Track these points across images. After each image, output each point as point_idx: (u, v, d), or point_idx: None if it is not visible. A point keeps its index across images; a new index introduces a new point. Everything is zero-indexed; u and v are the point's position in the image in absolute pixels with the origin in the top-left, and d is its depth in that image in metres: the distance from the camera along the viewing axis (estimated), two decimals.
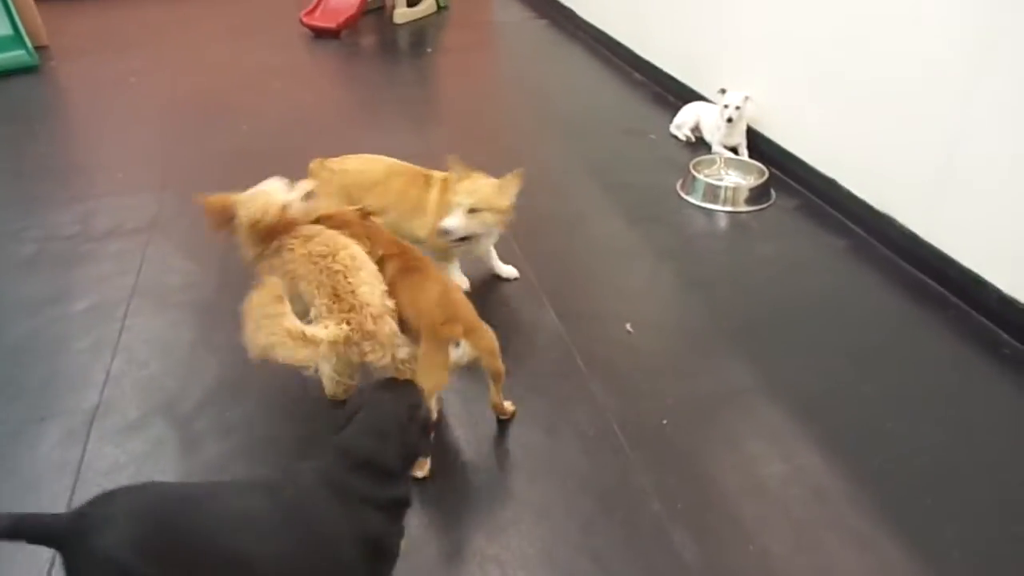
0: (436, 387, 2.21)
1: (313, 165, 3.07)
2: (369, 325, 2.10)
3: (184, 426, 2.47)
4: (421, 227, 2.94)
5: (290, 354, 1.95)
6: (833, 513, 2.14)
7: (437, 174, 3.03)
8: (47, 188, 4.04)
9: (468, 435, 2.42)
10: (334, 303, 2.12)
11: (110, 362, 2.74)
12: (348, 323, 2.08)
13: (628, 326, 2.91)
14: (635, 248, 3.46)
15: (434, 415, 2.19)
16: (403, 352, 2.21)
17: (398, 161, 3.14)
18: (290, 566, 1.53)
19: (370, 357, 2.13)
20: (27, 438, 2.42)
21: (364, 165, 3.11)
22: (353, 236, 2.39)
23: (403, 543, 1.74)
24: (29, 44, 5.81)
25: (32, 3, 6.15)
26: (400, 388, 1.82)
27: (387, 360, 2.16)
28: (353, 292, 2.13)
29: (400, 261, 2.43)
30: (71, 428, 2.46)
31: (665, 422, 2.47)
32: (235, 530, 1.52)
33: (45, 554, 2.02)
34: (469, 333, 2.20)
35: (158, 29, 6.89)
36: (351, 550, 1.57)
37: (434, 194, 2.97)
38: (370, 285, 2.19)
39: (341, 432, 1.69)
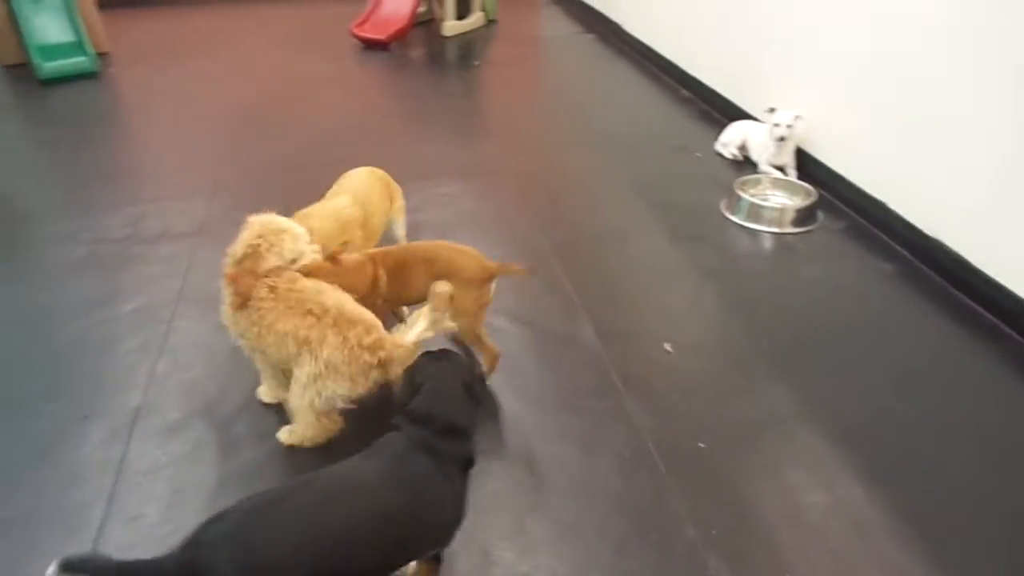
0: (480, 323, 2.58)
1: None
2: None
3: (223, 429, 2.51)
4: None
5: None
6: (873, 546, 2.09)
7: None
8: (101, 191, 4.16)
9: (501, 449, 2.41)
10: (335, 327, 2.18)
11: (155, 364, 2.79)
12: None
13: (667, 346, 2.89)
14: (677, 267, 3.43)
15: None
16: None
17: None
18: (408, 529, 1.66)
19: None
20: (72, 435, 2.48)
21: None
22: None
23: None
24: (91, 51, 5.99)
25: (95, 11, 6.35)
26: (449, 356, 1.95)
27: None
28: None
29: (400, 254, 2.62)
30: (114, 427, 2.51)
31: (702, 445, 2.43)
32: (350, 504, 1.62)
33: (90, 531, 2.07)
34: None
35: (213, 38, 7.06)
36: (450, 508, 1.74)
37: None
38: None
39: (412, 402, 1.80)
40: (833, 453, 2.40)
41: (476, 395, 1.87)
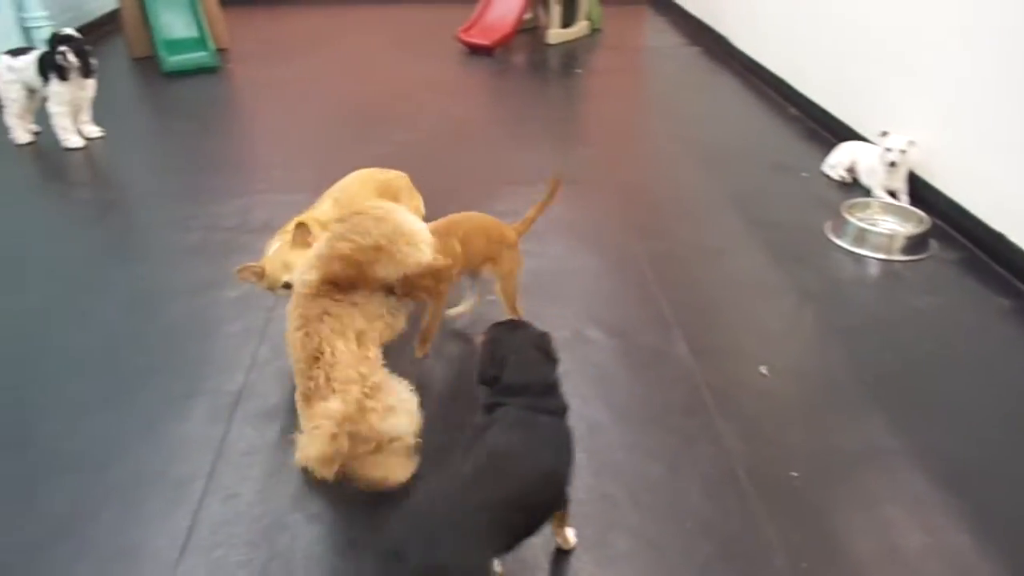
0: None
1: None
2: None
3: None
4: None
5: None
6: None
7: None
8: (214, 181, 4.35)
9: (586, 459, 2.39)
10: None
11: (256, 348, 2.90)
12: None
13: (763, 368, 2.81)
14: (776, 288, 3.34)
15: None
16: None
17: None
18: (561, 480, 1.85)
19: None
20: (177, 412, 2.59)
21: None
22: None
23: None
24: (212, 46, 6.29)
25: (218, 8, 6.66)
26: (518, 324, 2.07)
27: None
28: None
29: (466, 223, 2.71)
30: (216, 407, 2.61)
31: (795, 474, 2.35)
32: (521, 477, 1.74)
33: (184, 520, 2.16)
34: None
35: (325, 36, 7.30)
36: (573, 452, 1.90)
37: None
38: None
39: (505, 376, 1.90)
40: (936, 495, 2.28)
41: (552, 354, 2.00)
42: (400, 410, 2.11)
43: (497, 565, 1.95)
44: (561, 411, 1.93)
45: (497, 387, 1.93)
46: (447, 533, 1.58)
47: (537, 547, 2.10)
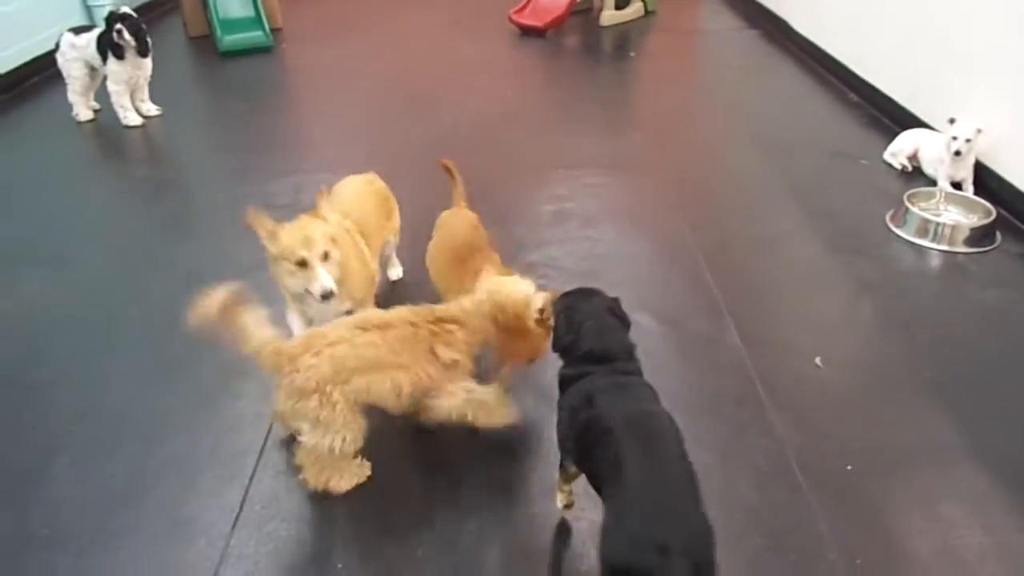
0: None
1: None
2: None
3: None
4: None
5: None
6: None
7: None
8: (268, 159, 4.40)
9: None
10: None
11: (307, 327, 2.92)
12: None
13: (818, 360, 2.75)
14: (833, 278, 3.26)
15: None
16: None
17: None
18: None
19: None
20: (230, 388, 2.64)
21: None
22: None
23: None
24: (267, 26, 6.35)
25: None
26: (589, 291, 2.05)
27: None
28: None
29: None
30: (268, 385, 2.63)
31: (850, 468, 2.30)
32: (672, 438, 1.73)
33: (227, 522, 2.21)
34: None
35: (378, 18, 7.31)
36: None
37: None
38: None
39: (584, 344, 1.90)
40: (997, 494, 2.21)
41: (623, 317, 2.01)
42: None
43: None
44: (640, 373, 1.93)
45: (579, 355, 1.91)
46: (690, 507, 1.56)
47: (584, 533, 2.09)
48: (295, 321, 2.63)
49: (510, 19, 6.76)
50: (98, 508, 2.19)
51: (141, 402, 2.59)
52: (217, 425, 2.49)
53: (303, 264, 2.33)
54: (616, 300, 2.04)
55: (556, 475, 2.09)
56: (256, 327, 2.08)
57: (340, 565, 2.03)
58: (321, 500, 2.21)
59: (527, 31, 6.66)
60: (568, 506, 2.12)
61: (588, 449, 1.79)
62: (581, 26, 6.94)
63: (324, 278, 2.33)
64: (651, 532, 1.48)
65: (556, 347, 1.99)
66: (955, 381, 2.65)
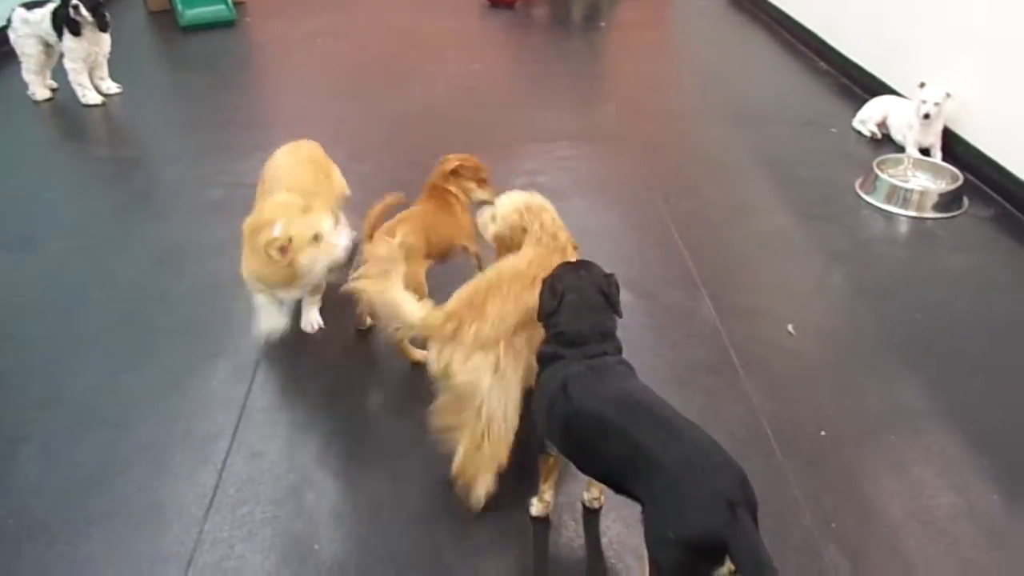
0: None
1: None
2: None
3: (340, 379, 2.57)
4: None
5: None
6: (1012, 559, 1.95)
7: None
8: (235, 137, 4.31)
9: None
10: None
11: (280, 306, 2.88)
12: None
13: (790, 327, 2.77)
14: (804, 246, 3.27)
15: None
16: None
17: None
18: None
19: None
20: (202, 370, 2.60)
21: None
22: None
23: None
24: (230, 0, 6.20)
25: None
26: (587, 266, 1.98)
27: None
28: None
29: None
30: (239, 366, 2.62)
31: (823, 433, 2.32)
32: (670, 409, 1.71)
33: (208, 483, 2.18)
34: None
35: None
36: None
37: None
38: None
39: (560, 323, 1.86)
40: (967, 456, 2.25)
41: (614, 302, 1.93)
42: None
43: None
44: (616, 352, 1.88)
45: (553, 333, 1.87)
46: (724, 457, 1.55)
47: (563, 507, 2.10)
48: (266, 307, 2.56)
49: None
50: (67, 496, 2.15)
51: (109, 387, 2.54)
52: (188, 408, 2.45)
53: (317, 238, 2.36)
54: (609, 277, 1.96)
55: (539, 467, 2.03)
56: (407, 300, 2.01)
57: (317, 546, 2.01)
58: (295, 482, 2.19)
59: (496, 4, 6.57)
60: (543, 517, 2.07)
61: (590, 447, 1.73)
62: None
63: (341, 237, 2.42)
64: (714, 492, 1.47)
65: (539, 316, 1.94)
66: (925, 345, 2.69)
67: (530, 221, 2.23)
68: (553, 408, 1.79)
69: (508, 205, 2.29)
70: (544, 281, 1.96)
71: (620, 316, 1.94)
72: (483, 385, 1.95)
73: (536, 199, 2.31)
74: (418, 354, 2.50)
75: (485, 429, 1.97)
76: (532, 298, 1.99)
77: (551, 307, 1.88)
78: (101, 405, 2.47)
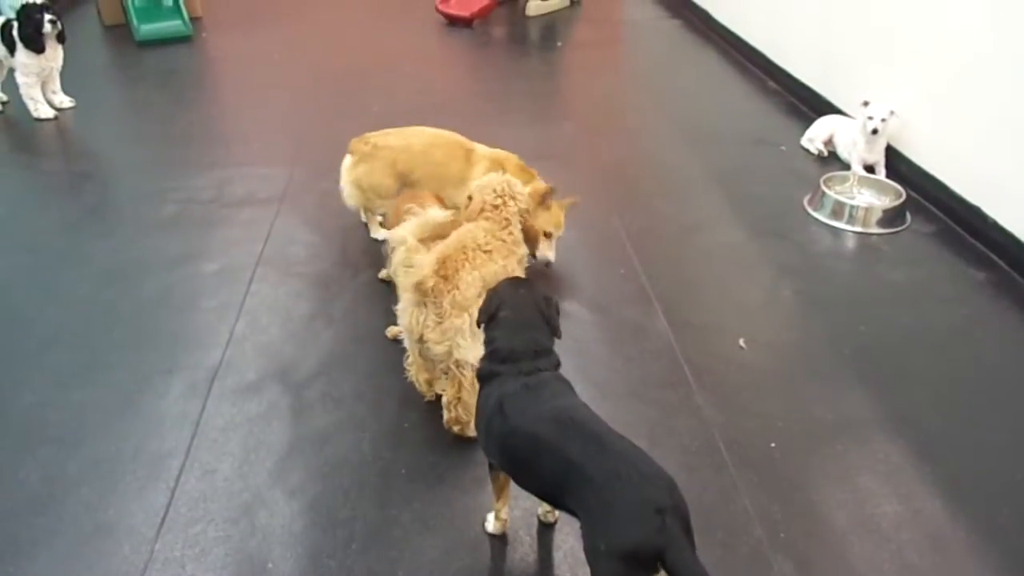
0: None
1: (354, 142, 3.24)
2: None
3: (297, 393, 2.56)
4: (461, 197, 2.96)
5: None
6: (952, 564, 2.01)
7: (480, 149, 3.23)
8: (191, 153, 4.28)
9: None
10: None
11: (234, 324, 2.87)
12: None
13: (741, 341, 2.83)
14: (755, 261, 3.35)
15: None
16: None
17: (440, 132, 3.31)
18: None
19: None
20: (155, 387, 2.57)
21: (405, 140, 3.25)
22: None
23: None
24: (186, 15, 6.15)
25: None
26: (526, 283, 2.02)
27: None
28: None
29: None
30: (194, 382, 2.59)
31: (773, 445, 2.38)
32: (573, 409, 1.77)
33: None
34: None
35: (301, 7, 7.15)
36: None
37: (478, 171, 3.10)
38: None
39: (493, 331, 1.89)
40: (910, 464, 2.31)
41: (552, 322, 1.93)
42: None
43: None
44: (552, 368, 1.89)
45: (489, 350, 1.89)
46: (652, 466, 1.58)
47: (518, 521, 2.11)
48: None
49: (437, 9, 6.70)
50: (10, 517, 2.10)
51: (57, 404, 2.50)
52: (140, 426, 2.42)
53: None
54: (548, 298, 1.97)
55: (489, 487, 2.05)
56: (423, 257, 2.20)
57: (271, 565, 2.00)
58: (249, 500, 2.17)
59: (454, 22, 6.62)
60: (500, 535, 2.08)
61: (526, 464, 1.75)
62: (508, 16, 6.93)
63: None
64: (642, 501, 1.49)
65: (477, 322, 1.97)
66: (870, 357, 2.76)
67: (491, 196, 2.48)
68: (491, 427, 1.80)
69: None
70: (487, 292, 2.01)
71: (558, 337, 1.95)
72: (461, 344, 2.19)
73: (497, 177, 2.56)
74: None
75: (462, 379, 2.24)
76: (490, 268, 2.25)
77: (483, 318, 1.92)
78: (48, 423, 2.42)
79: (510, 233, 2.46)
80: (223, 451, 2.32)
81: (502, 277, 2.17)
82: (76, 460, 2.28)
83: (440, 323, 2.20)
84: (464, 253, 2.28)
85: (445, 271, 2.22)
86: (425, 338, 2.23)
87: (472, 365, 2.14)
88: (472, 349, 2.16)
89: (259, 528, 2.09)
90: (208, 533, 2.07)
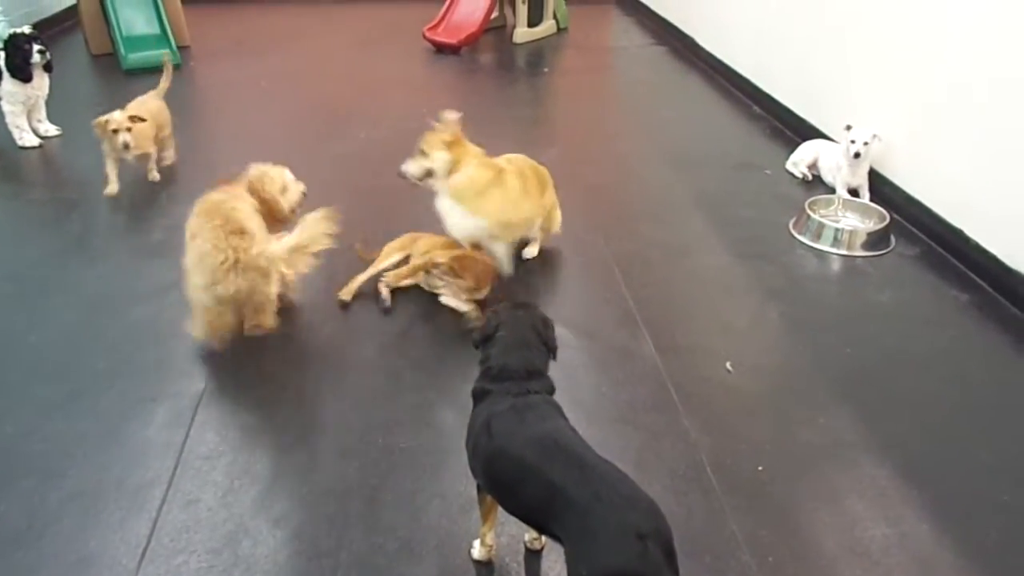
0: None
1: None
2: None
3: (281, 424, 2.54)
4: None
5: None
6: None
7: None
8: (177, 180, 4.28)
9: None
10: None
11: (219, 352, 2.85)
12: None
13: (728, 364, 2.83)
14: (741, 285, 3.37)
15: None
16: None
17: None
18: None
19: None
20: (138, 416, 2.54)
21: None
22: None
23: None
24: (174, 44, 6.18)
25: (179, 6, 6.55)
26: (526, 306, 2.05)
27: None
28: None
29: None
30: (178, 411, 2.57)
31: (761, 468, 2.37)
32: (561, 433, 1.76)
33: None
34: None
35: (289, 35, 7.22)
36: None
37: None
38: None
39: (489, 348, 1.91)
40: (898, 486, 2.31)
41: (549, 343, 1.95)
42: None
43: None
44: (545, 391, 1.88)
45: (483, 368, 1.90)
46: (636, 491, 1.58)
47: (504, 548, 2.09)
48: None
49: (424, 36, 6.77)
50: None
51: (38, 434, 2.47)
52: (123, 455, 2.39)
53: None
54: (546, 320, 1.99)
55: (477, 510, 2.03)
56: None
57: None
58: (233, 530, 2.14)
59: (441, 48, 6.68)
60: (486, 562, 2.05)
61: (510, 487, 1.74)
62: (495, 43, 7.01)
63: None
64: (623, 525, 1.48)
65: (473, 342, 1.99)
66: (856, 380, 2.77)
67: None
68: (477, 446, 1.80)
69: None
70: (488, 313, 2.05)
71: (554, 358, 1.96)
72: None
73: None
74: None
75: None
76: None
77: (480, 337, 1.95)
78: (29, 454, 2.39)
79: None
80: (206, 480, 2.30)
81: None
82: (58, 491, 2.25)
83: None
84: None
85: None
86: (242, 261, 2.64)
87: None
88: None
89: (242, 558, 2.06)
90: (190, 564, 2.04)
